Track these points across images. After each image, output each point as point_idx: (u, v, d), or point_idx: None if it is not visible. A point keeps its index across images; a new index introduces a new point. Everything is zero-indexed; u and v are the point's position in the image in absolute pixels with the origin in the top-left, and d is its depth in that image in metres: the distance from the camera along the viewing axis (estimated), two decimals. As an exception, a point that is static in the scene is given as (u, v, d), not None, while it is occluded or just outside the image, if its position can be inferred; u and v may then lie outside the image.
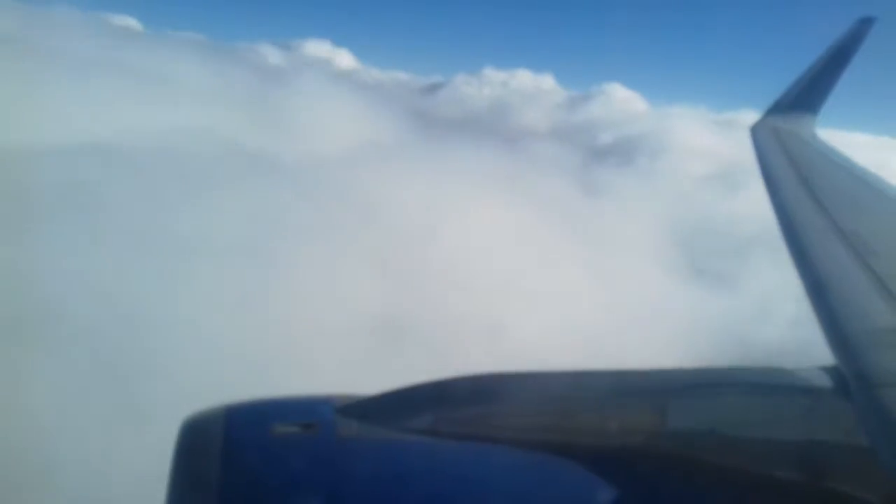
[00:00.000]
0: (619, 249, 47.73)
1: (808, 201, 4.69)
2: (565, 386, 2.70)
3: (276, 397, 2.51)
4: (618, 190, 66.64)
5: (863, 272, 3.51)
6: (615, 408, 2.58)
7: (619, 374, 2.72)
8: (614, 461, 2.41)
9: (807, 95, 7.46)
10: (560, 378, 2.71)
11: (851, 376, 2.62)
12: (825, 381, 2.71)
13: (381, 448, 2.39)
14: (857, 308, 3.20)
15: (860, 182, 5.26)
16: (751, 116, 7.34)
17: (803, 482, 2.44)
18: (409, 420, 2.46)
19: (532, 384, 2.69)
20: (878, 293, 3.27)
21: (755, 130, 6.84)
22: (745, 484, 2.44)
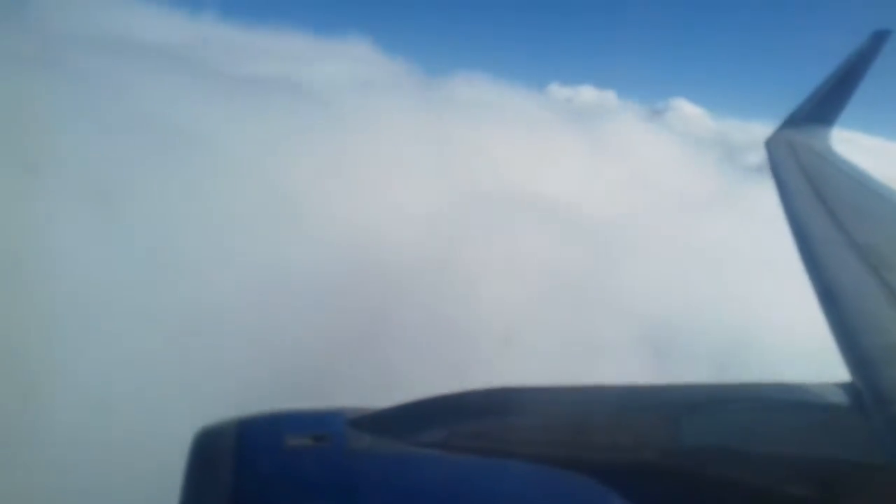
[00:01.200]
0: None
1: (822, 214, 4.66)
2: (578, 400, 2.69)
3: (288, 409, 2.52)
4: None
5: (878, 286, 3.48)
6: (628, 423, 2.57)
7: (632, 389, 2.71)
8: (627, 477, 2.39)
9: (822, 108, 7.43)
10: (572, 393, 2.71)
11: (867, 392, 2.60)
12: (840, 397, 2.69)
13: (391, 461, 2.39)
14: (872, 323, 3.17)
15: (876, 195, 5.22)
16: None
17: (818, 499, 2.41)
18: (421, 433, 2.45)
19: (545, 398, 2.68)
20: (894, 308, 3.24)
21: (770, 143, 6.82)
22: (759, 501, 2.42)
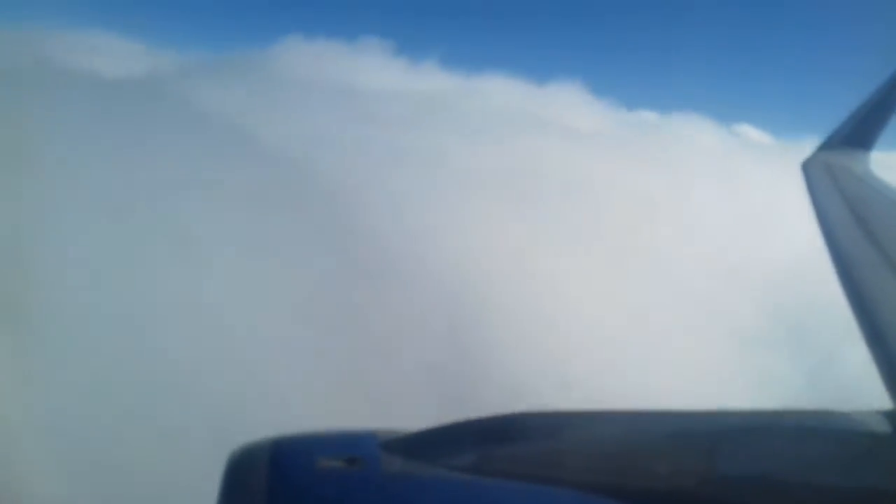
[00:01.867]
0: None
1: (861, 239, 4.58)
2: (614, 426, 2.66)
3: (321, 430, 2.54)
4: None
5: None
6: (664, 450, 2.53)
7: (668, 414, 2.68)
8: None
9: (860, 131, 7.33)
10: (608, 418, 2.68)
11: None
12: (883, 426, 2.63)
13: (424, 485, 2.39)
14: None
15: None
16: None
17: None
18: (455, 457, 2.45)
19: (579, 423, 2.66)
20: None
21: (807, 166, 6.73)
22: None
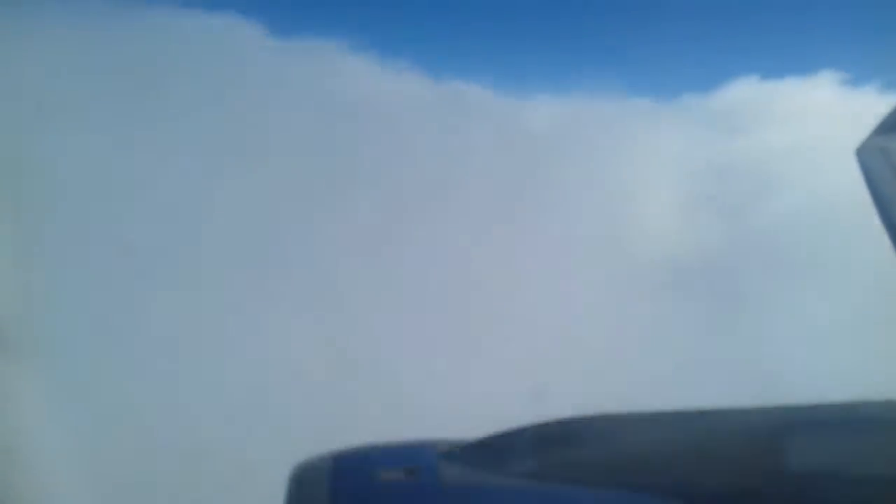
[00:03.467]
0: None
1: None
2: (675, 425, 2.62)
3: (381, 442, 2.56)
4: None
5: None
6: (729, 448, 2.48)
7: (730, 411, 2.63)
8: (728, 503, 2.31)
9: None
10: (670, 417, 2.64)
11: None
12: None
13: (483, 493, 2.38)
14: None
15: None
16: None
17: None
18: (514, 463, 2.44)
19: (641, 424, 2.63)
20: None
21: (861, 152, 6.54)
22: None
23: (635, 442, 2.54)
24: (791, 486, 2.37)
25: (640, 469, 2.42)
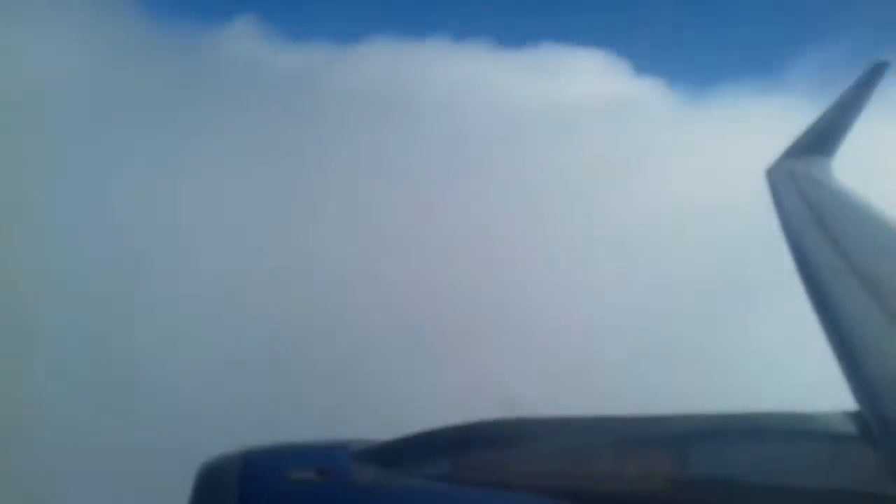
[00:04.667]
0: None
1: (825, 244, 4.67)
2: (583, 431, 2.67)
3: (293, 442, 2.52)
4: None
5: (883, 315, 3.48)
6: (636, 454, 2.55)
7: (638, 419, 2.70)
8: None
9: (822, 138, 7.47)
10: (578, 423, 2.69)
11: (874, 421, 2.58)
12: (848, 427, 2.67)
13: (395, 495, 2.37)
14: (877, 351, 3.16)
15: (878, 224, 5.23)
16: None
17: None
18: (425, 466, 2.44)
19: (549, 429, 2.67)
20: None
21: (770, 173, 6.84)
22: None
23: (545, 445, 2.57)
24: (693, 491, 2.45)
25: (547, 472, 2.46)
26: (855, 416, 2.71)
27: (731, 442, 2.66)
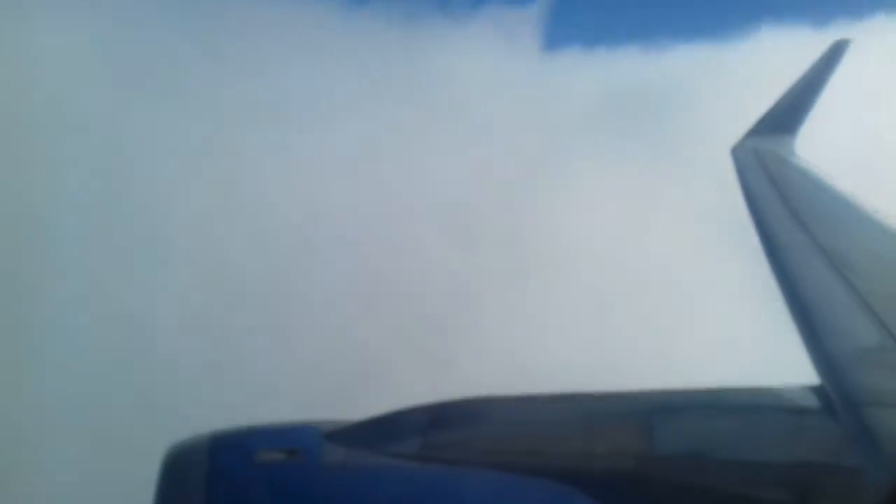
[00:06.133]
0: None
1: (788, 220, 4.74)
2: (552, 409, 2.69)
3: (262, 424, 2.50)
4: None
5: (843, 289, 3.54)
6: (602, 431, 2.57)
7: (604, 395, 2.72)
8: (602, 485, 2.40)
9: (785, 117, 7.57)
10: (545, 401, 2.71)
11: (836, 395, 2.63)
12: (810, 401, 2.72)
13: (365, 474, 2.37)
14: (839, 326, 3.22)
15: (839, 200, 5.32)
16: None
17: (790, 503, 2.43)
18: (396, 445, 2.44)
19: (517, 408, 2.68)
20: (860, 310, 3.30)
21: (736, 151, 6.92)
22: None
23: (513, 424, 2.59)
24: (658, 466, 2.49)
25: (515, 450, 2.48)
26: (817, 390, 2.77)
27: (696, 417, 2.70)
